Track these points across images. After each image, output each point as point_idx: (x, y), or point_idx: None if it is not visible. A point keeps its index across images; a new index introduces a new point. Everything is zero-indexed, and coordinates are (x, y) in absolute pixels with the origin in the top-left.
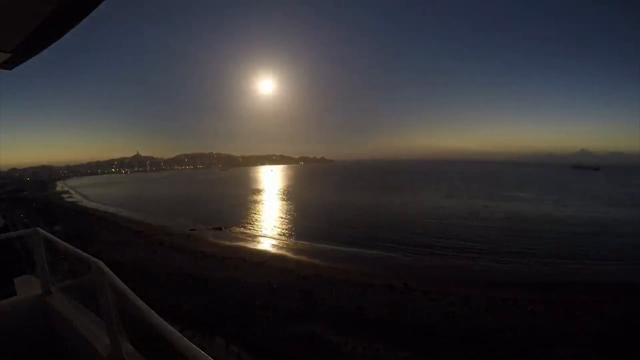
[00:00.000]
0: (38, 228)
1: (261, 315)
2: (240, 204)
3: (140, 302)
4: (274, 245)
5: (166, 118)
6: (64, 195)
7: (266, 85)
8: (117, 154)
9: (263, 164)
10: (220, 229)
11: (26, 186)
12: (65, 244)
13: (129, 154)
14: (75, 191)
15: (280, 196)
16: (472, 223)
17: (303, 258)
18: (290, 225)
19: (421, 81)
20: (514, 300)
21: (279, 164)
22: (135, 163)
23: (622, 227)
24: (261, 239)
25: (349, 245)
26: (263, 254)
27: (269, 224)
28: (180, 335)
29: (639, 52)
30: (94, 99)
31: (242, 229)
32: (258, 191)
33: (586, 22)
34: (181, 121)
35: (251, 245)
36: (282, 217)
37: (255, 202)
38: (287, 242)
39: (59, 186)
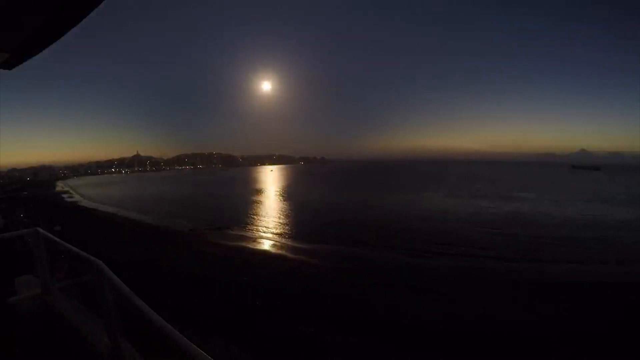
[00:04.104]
0: (38, 228)
1: (262, 316)
2: (240, 204)
3: (140, 302)
4: (274, 246)
5: (166, 118)
6: (64, 195)
7: (266, 86)
8: (117, 154)
9: (263, 164)
10: (220, 229)
11: (26, 186)
12: (65, 243)
13: (129, 154)
14: (75, 191)
15: (281, 196)
16: (473, 223)
17: (303, 258)
18: (290, 226)
19: (422, 82)
20: (514, 300)
21: (279, 164)
22: (135, 163)
23: (624, 228)
24: (261, 239)
25: (349, 246)
26: (263, 254)
27: (269, 225)
28: (180, 335)
29: (639, 53)
30: (93, 99)
31: (242, 229)
32: (258, 191)
33: (586, 23)
34: (181, 121)
35: (251, 246)
36: (282, 218)
37: (256, 202)
38: (288, 243)
39: (59, 186)
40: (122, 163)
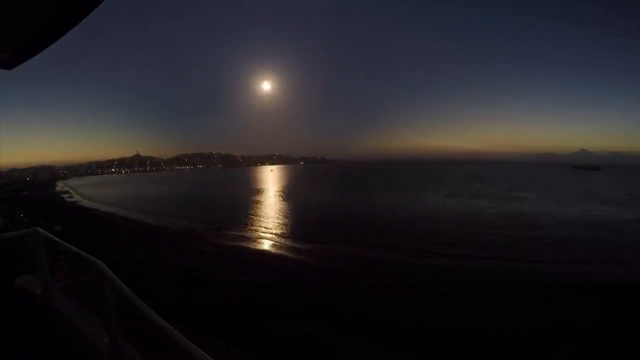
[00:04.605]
0: (38, 228)
1: (261, 316)
2: (240, 204)
3: (140, 302)
4: (274, 246)
5: (166, 118)
6: (64, 195)
7: (266, 86)
8: (117, 154)
9: (263, 164)
10: (220, 229)
11: (26, 186)
12: (65, 243)
13: (129, 154)
14: (75, 191)
15: (280, 197)
16: (473, 223)
17: (303, 258)
18: (290, 226)
19: (422, 82)
20: (514, 300)
21: (279, 164)
22: (135, 163)
23: (624, 228)
24: (261, 239)
25: (349, 246)
26: (263, 254)
27: (269, 225)
28: (180, 335)
29: (639, 53)
30: (94, 99)
31: (242, 229)
32: (258, 191)
33: (586, 23)
34: (181, 121)
35: (251, 246)
36: (281, 218)
37: (255, 202)
38: (287, 243)
39: (59, 186)
40: (122, 163)
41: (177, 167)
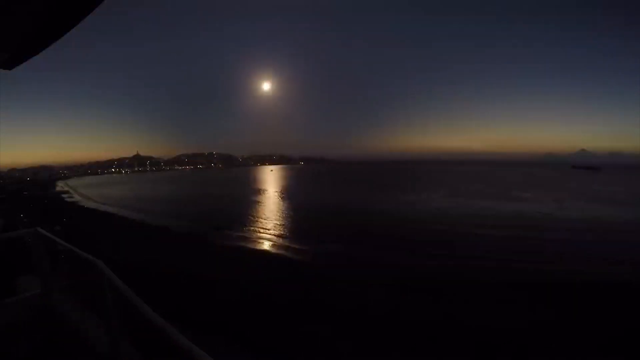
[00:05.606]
0: (38, 228)
1: (261, 315)
2: (240, 204)
3: (140, 302)
4: (273, 246)
5: (166, 118)
6: (64, 195)
7: (266, 86)
8: (117, 154)
9: (263, 164)
10: (220, 229)
11: (26, 186)
12: (65, 243)
13: (129, 154)
14: (75, 191)
15: (280, 197)
16: (473, 224)
17: (302, 258)
18: (289, 226)
19: (422, 82)
20: (514, 300)
21: (279, 165)
22: (135, 163)
23: (625, 228)
24: (261, 239)
25: (348, 246)
26: (263, 254)
27: (269, 225)
28: (181, 335)
29: (639, 53)
30: (94, 100)
31: (242, 229)
32: (258, 191)
33: (586, 24)
34: (181, 121)
35: (251, 246)
36: (282, 218)
37: (255, 202)
38: (287, 243)
39: (59, 186)
40: (122, 163)
41: (177, 167)
